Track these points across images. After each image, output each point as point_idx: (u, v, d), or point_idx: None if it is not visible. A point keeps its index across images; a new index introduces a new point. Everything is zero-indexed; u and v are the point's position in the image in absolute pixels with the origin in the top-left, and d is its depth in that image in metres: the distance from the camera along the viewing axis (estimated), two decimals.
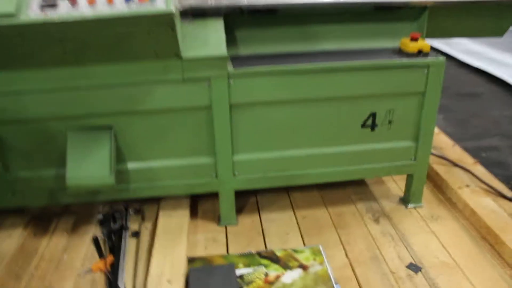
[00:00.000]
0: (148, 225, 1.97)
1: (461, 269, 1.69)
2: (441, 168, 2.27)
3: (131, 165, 1.84)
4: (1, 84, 1.63)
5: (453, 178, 2.19)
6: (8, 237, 1.91)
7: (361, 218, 2.00)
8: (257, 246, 1.85)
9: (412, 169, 2.00)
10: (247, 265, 1.74)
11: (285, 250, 1.81)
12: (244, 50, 1.87)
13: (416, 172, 2.01)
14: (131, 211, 2.04)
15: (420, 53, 1.79)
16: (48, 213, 2.05)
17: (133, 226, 1.98)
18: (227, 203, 1.95)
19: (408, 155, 1.97)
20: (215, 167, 1.86)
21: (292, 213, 2.05)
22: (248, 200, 2.15)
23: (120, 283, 1.65)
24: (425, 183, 2.04)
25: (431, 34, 2.00)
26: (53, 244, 1.88)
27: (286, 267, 1.72)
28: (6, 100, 1.66)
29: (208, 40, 1.67)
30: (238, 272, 1.70)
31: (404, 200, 2.11)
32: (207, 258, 1.78)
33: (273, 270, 1.70)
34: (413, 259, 1.74)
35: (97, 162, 1.73)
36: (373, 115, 1.87)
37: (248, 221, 2.01)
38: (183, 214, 1.96)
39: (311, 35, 1.90)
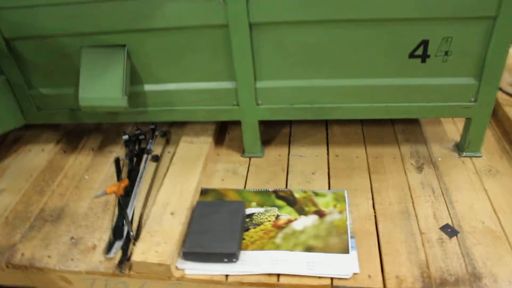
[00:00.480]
0: (171, 150, 1.90)
1: (509, 241, 1.40)
2: None
3: (148, 87, 1.73)
4: None
5: None
6: (40, 152, 1.97)
7: (401, 163, 1.73)
8: (277, 183, 1.70)
9: (471, 112, 1.65)
10: (261, 204, 1.61)
11: (305, 191, 1.64)
12: None
13: (475, 116, 1.65)
14: (158, 133, 1.98)
15: None
16: (80, 130, 2.07)
17: (157, 149, 1.92)
18: (250, 133, 1.79)
19: (467, 95, 1.61)
20: (236, 93, 1.68)
21: (326, 149, 1.84)
22: (280, 130, 1.97)
23: (129, 209, 1.63)
24: (485, 130, 1.68)
25: None
26: (78, 162, 1.90)
27: (301, 211, 1.56)
28: (21, 14, 1.59)
29: None
30: (249, 210, 1.58)
31: (459, 147, 1.78)
32: (221, 191, 1.68)
33: (286, 214, 1.56)
34: (452, 220, 1.48)
35: (110, 83, 1.64)
36: (425, 43, 1.52)
37: (275, 154, 1.85)
38: (205, 141, 1.85)
39: None
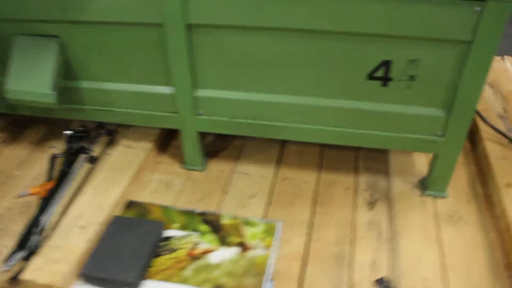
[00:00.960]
0: (110, 151, 1.75)
1: None
2: (495, 149, 1.61)
3: (85, 85, 1.58)
4: None
5: (508, 168, 1.54)
6: None
7: (353, 196, 1.53)
8: (209, 203, 1.53)
9: (437, 148, 1.42)
10: (183, 227, 1.44)
11: (235, 218, 1.46)
12: None
13: (442, 152, 1.42)
14: (102, 132, 1.84)
15: None
16: (26, 120, 1.94)
17: (99, 149, 1.78)
18: (190, 144, 1.62)
19: (433, 128, 1.39)
20: (175, 100, 1.51)
21: (274, 170, 1.66)
22: (232, 142, 1.78)
23: (43, 216, 1.50)
24: (453, 169, 1.45)
25: None
26: (13, 155, 1.78)
27: (223, 241, 1.39)
28: None
29: None
30: (169, 233, 1.42)
31: (423, 184, 1.56)
32: (146, 205, 1.52)
33: (206, 242, 1.39)
34: (392, 273, 1.28)
35: (39, 77, 1.50)
36: (387, 65, 1.31)
37: (218, 169, 1.67)
38: (144, 147, 1.68)
39: None
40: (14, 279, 1.29)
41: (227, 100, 1.47)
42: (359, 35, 1.27)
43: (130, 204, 1.53)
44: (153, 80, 1.50)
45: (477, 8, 1.15)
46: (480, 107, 1.79)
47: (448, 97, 1.33)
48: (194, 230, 1.43)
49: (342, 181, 1.59)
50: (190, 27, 1.35)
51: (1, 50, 1.55)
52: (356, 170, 1.64)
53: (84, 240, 1.35)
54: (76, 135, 1.80)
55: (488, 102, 1.83)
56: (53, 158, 1.73)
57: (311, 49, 1.32)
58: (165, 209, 1.51)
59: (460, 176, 1.58)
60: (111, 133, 1.83)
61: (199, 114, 1.52)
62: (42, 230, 1.44)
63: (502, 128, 1.69)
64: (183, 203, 1.53)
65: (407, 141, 1.42)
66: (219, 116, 1.51)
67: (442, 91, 1.32)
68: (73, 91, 1.59)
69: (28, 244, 1.40)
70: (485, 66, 1.24)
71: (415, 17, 1.19)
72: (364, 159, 1.68)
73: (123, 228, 1.40)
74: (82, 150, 1.75)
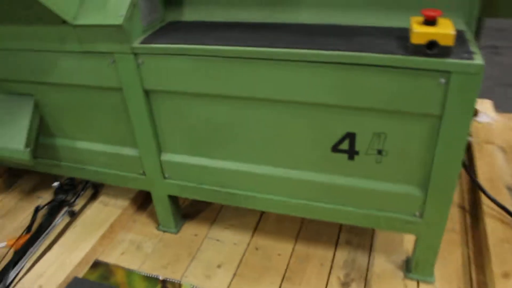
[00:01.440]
0: (87, 208, 1.74)
1: None
2: (496, 228, 1.41)
3: (59, 142, 1.59)
4: None
5: (508, 255, 1.33)
6: None
7: (327, 274, 1.38)
8: (176, 269, 1.45)
9: (415, 229, 1.26)
10: None
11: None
12: (190, 13, 1.35)
13: (421, 234, 1.26)
14: (88, 186, 1.83)
15: (432, 46, 1.01)
16: (21, 169, 1.99)
17: (81, 203, 1.77)
18: (161, 207, 1.56)
19: (409, 207, 1.23)
20: (141, 162, 1.47)
21: (249, 237, 1.55)
22: (210, 204, 1.70)
23: (12, 272, 1.49)
24: (437, 252, 1.27)
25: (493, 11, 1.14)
26: (1, 204, 1.82)
27: None
28: None
29: (108, 2, 1.22)
30: None
31: (408, 265, 1.39)
32: (112, 267, 1.48)
33: None
34: None
35: (14, 134, 1.52)
36: (351, 137, 1.19)
37: (192, 232, 1.60)
38: (120, 206, 1.66)
39: None
40: None
41: (193, 165, 1.41)
42: (320, 105, 1.17)
43: (96, 264, 1.49)
44: (120, 141, 1.48)
45: (442, 80, 1.02)
46: (485, 176, 1.60)
47: (422, 175, 1.18)
48: None
49: (319, 255, 1.45)
50: (147, 93, 1.32)
51: None
52: (335, 244, 1.50)
53: None
54: (63, 188, 1.82)
55: (497, 170, 1.63)
56: (36, 209, 1.75)
57: (271, 118, 1.23)
58: (129, 273, 1.45)
59: (454, 258, 1.39)
60: (96, 187, 1.83)
61: (167, 178, 1.47)
62: (6, 287, 1.44)
63: (509, 202, 1.49)
64: (149, 267, 1.47)
65: (381, 220, 1.28)
66: (186, 181, 1.45)
67: (415, 167, 1.18)
68: (49, 147, 1.61)
69: None
70: (460, 142, 1.09)
71: (377, 88, 1.07)
72: (347, 231, 1.53)
73: None
74: (65, 203, 1.75)
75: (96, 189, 1.80)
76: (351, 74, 1.08)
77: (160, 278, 1.42)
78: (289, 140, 1.26)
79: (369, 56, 1.03)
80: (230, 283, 1.39)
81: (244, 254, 1.49)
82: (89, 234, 1.55)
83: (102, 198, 1.71)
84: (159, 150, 1.43)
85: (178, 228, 1.61)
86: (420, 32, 0.99)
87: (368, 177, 1.24)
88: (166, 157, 1.43)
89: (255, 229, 1.58)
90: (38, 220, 1.70)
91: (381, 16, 1.18)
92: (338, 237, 1.52)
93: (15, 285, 1.41)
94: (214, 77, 1.20)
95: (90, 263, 1.49)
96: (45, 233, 1.62)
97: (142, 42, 1.23)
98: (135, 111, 1.35)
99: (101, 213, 1.63)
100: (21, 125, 1.51)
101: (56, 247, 1.51)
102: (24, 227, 1.68)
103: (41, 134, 1.59)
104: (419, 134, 1.13)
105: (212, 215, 1.66)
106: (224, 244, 1.53)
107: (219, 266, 1.45)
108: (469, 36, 1.09)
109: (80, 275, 1.45)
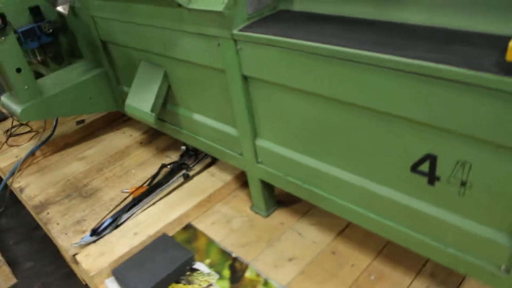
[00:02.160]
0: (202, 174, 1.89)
1: None
2: None
3: (181, 111, 1.77)
4: (100, 10, 1.83)
5: None
6: (127, 137, 2.27)
7: None
8: (251, 251, 1.50)
9: (499, 284, 1.04)
10: (212, 265, 1.48)
11: (259, 275, 1.41)
12: (301, 3, 1.33)
13: None
14: (207, 155, 1.99)
15: None
16: None
17: (198, 168, 1.94)
18: (254, 189, 1.61)
19: (494, 255, 1.03)
20: (239, 143, 1.54)
21: (330, 239, 1.49)
22: None
23: (125, 215, 1.74)
24: None
25: None
26: (139, 156, 2.11)
27: None
28: (106, 24, 1.86)
29: None
30: (199, 265, 1.48)
31: None
32: (198, 233, 1.61)
33: (219, 286, 1.39)
34: None
35: (146, 97, 1.76)
36: (432, 159, 1.04)
37: (280, 219, 1.61)
38: (224, 179, 1.77)
39: None
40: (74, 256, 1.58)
41: (282, 156, 1.41)
42: (402, 118, 1.05)
43: (187, 227, 1.65)
44: (226, 120, 1.57)
45: None
46: None
47: (511, 220, 0.98)
48: (218, 272, 1.45)
49: (394, 277, 1.33)
50: (246, 78, 1.36)
51: (133, 69, 1.87)
52: (418, 271, 1.34)
53: (129, 245, 1.54)
54: (188, 152, 2.02)
55: None
56: (162, 166, 1.99)
57: (355, 123, 1.15)
58: (209, 242, 1.57)
59: None
60: (214, 158, 1.97)
61: (259, 162, 1.51)
62: (116, 225, 1.70)
63: None
64: (229, 242, 1.56)
65: (460, 262, 1.10)
66: (275, 169, 1.47)
67: (503, 210, 0.98)
68: (174, 114, 1.80)
69: (98, 231, 1.67)
70: None
71: (461, 109, 0.92)
72: (436, 262, 1.36)
73: (162, 246, 1.53)
74: (185, 166, 1.95)
75: (213, 159, 1.96)
76: (433, 88, 0.94)
77: (233, 255, 1.50)
78: (371, 150, 1.17)
79: (448, 69, 0.88)
80: (293, 279, 1.38)
81: (318, 254, 1.45)
82: (189, 198, 1.70)
83: (212, 169, 1.85)
84: (254, 135, 1.47)
85: (269, 212, 1.65)
86: None
87: (449, 209, 1.07)
88: (260, 142, 1.47)
89: (340, 233, 1.52)
90: (160, 176, 1.94)
91: (499, 22, 0.98)
92: (424, 266, 1.36)
93: (121, 225, 1.66)
94: (303, 73, 1.18)
95: (184, 224, 1.65)
96: (160, 188, 1.84)
97: (242, 29, 1.27)
98: (235, 93, 1.41)
99: (205, 182, 1.78)
100: (152, 91, 1.73)
101: (161, 203, 1.72)
102: (148, 179, 1.94)
103: (169, 102, 1.79)
104: (510, 172, 0.93)
105: (305, 208, 1.64)
106: (304, 239, 1.52)
107: (290, 260, 1.45)
108: None
109: (171, 233, 1.62)
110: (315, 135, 1.29)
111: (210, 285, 1.41)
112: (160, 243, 1.55)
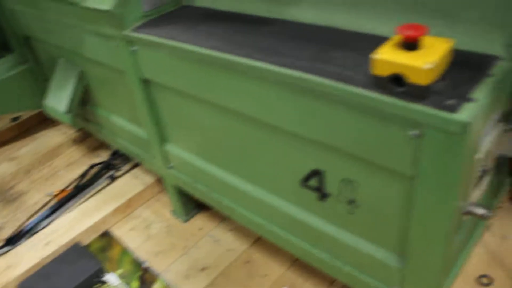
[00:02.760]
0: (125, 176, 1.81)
1: None
2: None
3: (99, 111, 1.68)
4: (18, 3, 1.70)
5: None
6: (61, 134, 2.17)
7: None
8: (164, 259, 1.44)
9: None
10: (123, 276, 1.41)
11: (167, 286, 1.34)
12: None
13: None
14: None
15: (398, 82, 0.72)
16: None
17: (126, 169, 1.85)
18: (171, 194, 1.54)
19: (386, 276, 0.96)
20: (150, 145, 1.45)
21: (246, 247, 1.43)
22: None
23: (46, 221, 1.66)
24: None
25: None
26: (69, 155, 2.02)
27: None
28: (25, 18, 1.73)
29: None
30: (108, 277, 1.41)
31: None
32: (113, 241, 1.54)
33: None
34: None
35: (62, 97, 1.66)
36: (319, 175, 0.97)
37: (198, 225, 1.54)
38: (145, 182, 1.69)
39: None
40: None
41: (190, 162, 1.33)
42: (286, 132, 0.97)
43: (104, 234, 1.57)
44: (137, 121, 1.48)
45: (413, 133, 0.73)
46: None
47: (399, 242, 0.90)
48: (127, 283, 1.38)
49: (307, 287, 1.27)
50: (146, 81, 1.27)
51: (52, 68, 1.76)
52: (331, 283, 1.28)
53: (39, 257, 1.47)
54: (118, 152, 1.93)
55: None
56: (91, 167, 1.90)
57: (247, 133, 1.08)
58: (123, 251, 1.50)
59: None
60: None
61: (171, 167, 1.43)
62: (32, 233, 1.62)
63: None
64: (144, 249, 1.49)
65: (357, 282, 1.04)
66: (184, 175, 1.39)
67: (390, 230, 0.91)
68: (94, 114, 1.72)
69: (13, 241, 1.60)
70: (441, 212, 0.79)
71: (340, 124, 0.84)
72: None
73: (72, 257, 1.46)
74: (113, 167, 1.87)
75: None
76: (309, 100, 0.86)
77: (145, 265, 1.43)
78: (264, 161, 1.09)
79: (315, 80, 0.80)
80: (205, 284, 1.32)
81: (231, 264, 1.39)
82: (108, 203, 1.62)
83: (136, 171, 1.77)
84: (162, 139, 1.39)
85: (188, 217, 1.58)
86: (381, 59, 0.72)
87: (341, 227, 1.01)
88: (169, 147, 1.39)
89: (256, 240, 1.45)
90: (88, 177, 1.86)
91: (388, 24, 0.89)
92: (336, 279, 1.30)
93: (36, 234, 1.58)
94: (191, 77, 1.09)
95: (101, 231, 1.58)
96: (83, 192, 1.76)
97: (135, 29, 1.17)
98: (136, 96, 1.32)
99: (127, 185, 1.70)
100: (67, 91, 1.63)
101: (79, 208, 1.63)
102: (74, 181, 1.86)
103: (89, 102, 1.70)
104: (391, 193, 0.85)
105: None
106: (220, 246, 1.45)
107: (203, 269, 1.38)
108: (500, 68, 0.75)
109: (87, 241, 1.55)
110: (214, 143, 1.21)
111: None
112: (71, 254, 1.47)
